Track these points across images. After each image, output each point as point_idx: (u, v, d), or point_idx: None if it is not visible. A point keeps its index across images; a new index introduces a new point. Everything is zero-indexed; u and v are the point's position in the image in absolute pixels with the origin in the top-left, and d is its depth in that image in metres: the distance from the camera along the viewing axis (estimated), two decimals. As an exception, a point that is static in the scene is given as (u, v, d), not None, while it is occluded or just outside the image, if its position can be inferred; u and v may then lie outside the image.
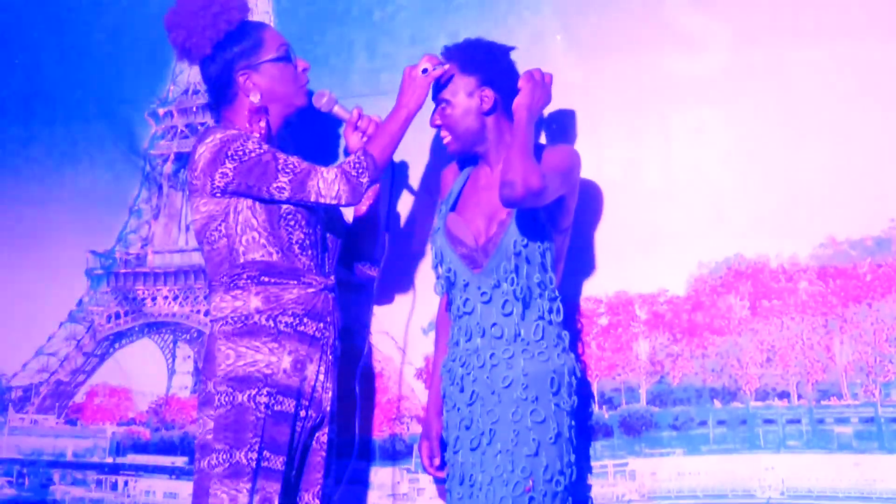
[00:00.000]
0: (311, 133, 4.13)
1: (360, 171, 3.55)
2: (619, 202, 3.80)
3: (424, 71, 3.57)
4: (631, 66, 3.79)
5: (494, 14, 4.03)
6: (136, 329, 4.55)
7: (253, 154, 3.53)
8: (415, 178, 4.10)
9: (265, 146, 3.56)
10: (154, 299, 4.53)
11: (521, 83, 3.44)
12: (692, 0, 3.75)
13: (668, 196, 3.75)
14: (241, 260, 3.60)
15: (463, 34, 3.75)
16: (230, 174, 3.53)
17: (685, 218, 3.72)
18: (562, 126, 3.69)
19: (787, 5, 3.64)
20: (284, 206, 3.59)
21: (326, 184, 3.53)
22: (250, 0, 3.80)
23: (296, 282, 3.62)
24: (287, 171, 3.53)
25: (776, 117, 3.62)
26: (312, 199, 3.54)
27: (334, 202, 3.55)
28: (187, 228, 4.40)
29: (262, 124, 3.66)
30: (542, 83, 3.46)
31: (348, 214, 3.94)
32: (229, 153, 3.53)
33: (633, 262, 3.76)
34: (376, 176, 3.60)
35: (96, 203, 4.62)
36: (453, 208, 3.64)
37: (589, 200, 3.66)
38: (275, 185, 3.53)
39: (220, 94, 3.73)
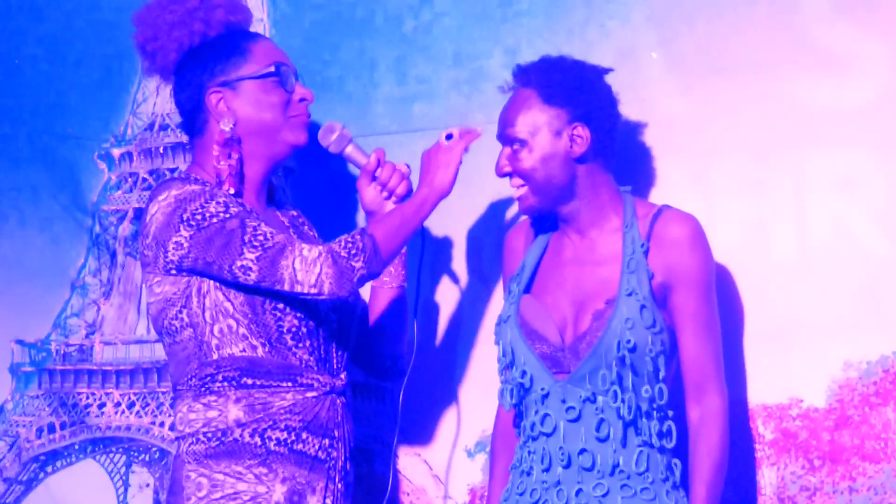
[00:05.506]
0: (318, 188, 3.92)
1: (353, 253, 3.21)
2: (736, 280, 3.44)
3: (449, 137, 3.33)
4: (752, 94, 3.44)
5: (568, 24, 3.64)
6: (77, 447, 4.25)
7: (215, 220, 3.22)
8: (458, 245, 3.81)
9: (234, 209, 3.25)
10: (101, 406, 4.24)
11: None
12: (837, 7, 3.37)
13: (802, 271, 3.38)
14: (215, 356, 3.28)
15: (526, 53, 3.46)
16: (185, 245, 3.25)
17: (826, 301, 3.35)
18: (661, 174, 3.44)
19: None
20: None
21: (305, 264, 3.18)
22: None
23: (290, 383, 3.29)
24: (255, 244, 3.20)
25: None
26: (287, 286, 3.20)
27: (314, 291, 3.20)
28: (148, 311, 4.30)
29: (234, 160, 3.33)
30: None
31: (365, 293, 3.59)
32: (185, 217, 3.24)
33: (755, 362, 3.41)
34: (375, 265, 3.26)
35: (27, 275, 4.30)
36: (528, 290, 3.32)
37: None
38: (239, 264, 3.21)
39: (190, 121, 3.44)
